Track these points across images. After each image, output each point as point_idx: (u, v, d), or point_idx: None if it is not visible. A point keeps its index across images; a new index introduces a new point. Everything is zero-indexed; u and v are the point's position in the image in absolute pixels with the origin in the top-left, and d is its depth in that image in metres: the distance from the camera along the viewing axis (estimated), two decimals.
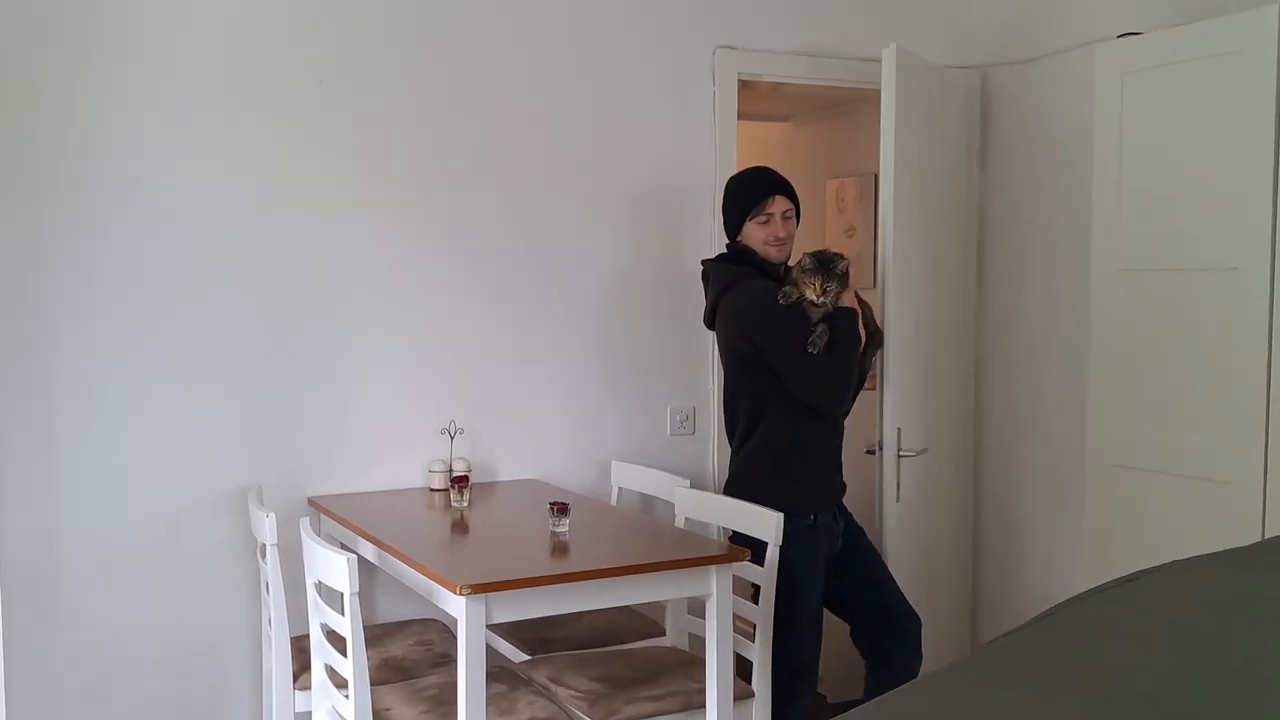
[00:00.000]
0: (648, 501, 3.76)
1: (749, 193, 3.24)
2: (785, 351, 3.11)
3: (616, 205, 3.85)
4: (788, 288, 3.11)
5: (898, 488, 3.65)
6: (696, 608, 3.20)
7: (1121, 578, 1.57)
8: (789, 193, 3.26)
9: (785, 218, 3.22)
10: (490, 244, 3.68)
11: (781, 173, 3.33)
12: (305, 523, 2.88)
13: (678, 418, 3.96)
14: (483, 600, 2.52)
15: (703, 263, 3.41)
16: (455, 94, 3.61)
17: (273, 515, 2.96)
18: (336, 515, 3.23)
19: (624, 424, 3.89)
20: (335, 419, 3.51)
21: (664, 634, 3.45)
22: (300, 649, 3.06)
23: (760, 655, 2.99)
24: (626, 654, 3.25)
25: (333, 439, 3.50)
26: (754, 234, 3.23)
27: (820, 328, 3.07)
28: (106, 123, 3.22)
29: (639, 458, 3.83)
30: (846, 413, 3.31)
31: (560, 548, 2.89)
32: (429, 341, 3.62)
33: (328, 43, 3.45)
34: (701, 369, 3.98)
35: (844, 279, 2.93)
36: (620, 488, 3.77)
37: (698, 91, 3.94)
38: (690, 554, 2.83)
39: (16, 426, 3.14)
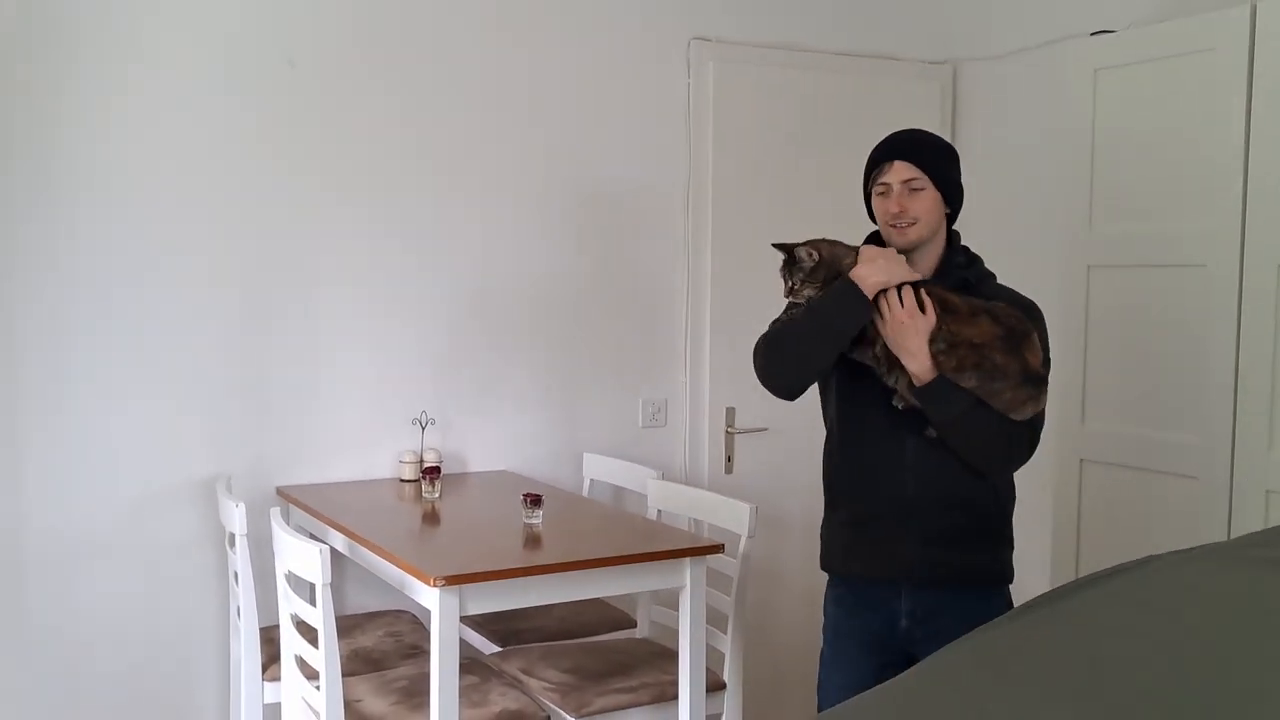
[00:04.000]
0: (619, 493, 3.76)
1: (871, 158, 2.50)
2: None
3: (589, 199, 3.84)
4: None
5: None
6: (667, 599, 3.20)
7: (1099, 572, 1.58)
8: (917, 157, 2.43)
9: (912, 190, 2.40)
10: (462, 236, 3.65)
11: (935, 134, 2.60)
12: (276, 513, 2.85)
13: (650, 409, 3.96)
14: (456, 592, 2.51)
15: None
16: (427, 87, 3.58)
17: (242, 505, 2.93)
18: (306, 505, 3.20)
19: (596, 416, 3.88)
20: (305, 408, 3.47)
21: (635, 625, 3.45)
22: (269, 640, 3.04)
23: (732, 647, 3.00)
24: (598, 646, 3.24)
25: (302, 429, 3.47)
26: (875, 209, 2.49)
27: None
28: (72, 112, 3.16)
29: (611, 450, 3.82)
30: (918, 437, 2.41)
31: (533, 539, 2.88)
32: (400, 332, 3.60)
33: (301, 34, 3.41)
34: (674, 361, 3.98)
35: (814, 274, 2.35)
36: (592, 479, 3.76)
37: (672, 84, 3.93)
38: (664, 546, 2.82)
39: None
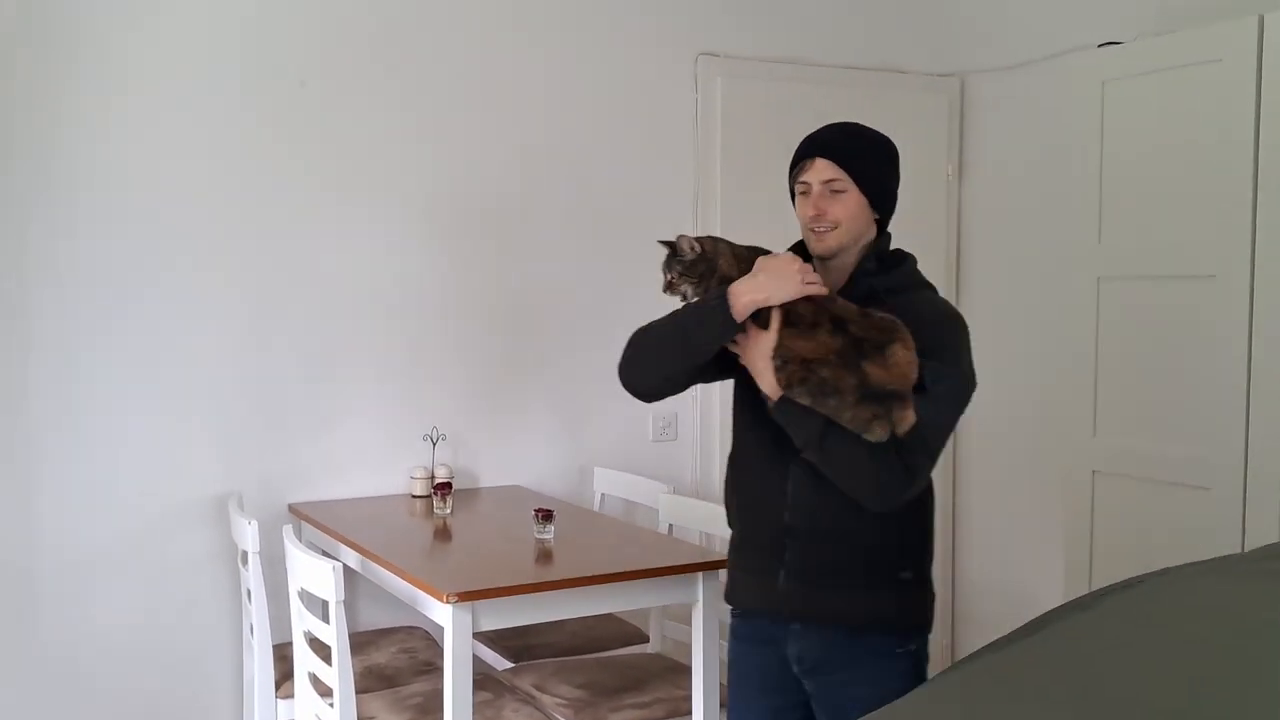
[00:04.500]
0: (630, 507, 3.76)
1: (795, 153, 2.28)
2: None
3: (597, 212, 3.85)
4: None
5: None
6: (679, 613, 3.20)
7: (1114, 585, 1.58)
8: (840, 155, 2.20)
9: (832, 191, 2.18)
10: (472, 251, 3.66)
11: (872, 130, 2.33)
12: (288, 530, 2.85)
13: (660, 424, 3.96)
14: (469, 608, 2.51)
15: None
16: (438, 102, 3.60)
17: (255, 522, 2.93)
18: (318, 522, 3.21)
19: (606, 430, 3.88)
20: (316, 425, 3.48)
21: (648, 640, 3.44)
22: (282, 657, 3.04)
23: None
24: (611, 661, 3.24)
25: (314, 445, 3.48)
26: (797, 210, 2.27)
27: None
28: (86, 125, 3.18)
29: (621, 464, 3.82)
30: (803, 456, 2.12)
31: (545, 555, 2.88)
32: (411, 348, 3.60)
33: (313, 48, 3.43)
34: None
35: (693, 267, 2.15)
36: (603, 494, 3.76)
37: (680, 99, 3.94)
38: (676, 561, 2.82)
39: None
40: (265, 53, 3.38)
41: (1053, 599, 2.66)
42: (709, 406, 3.98)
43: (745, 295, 2.04)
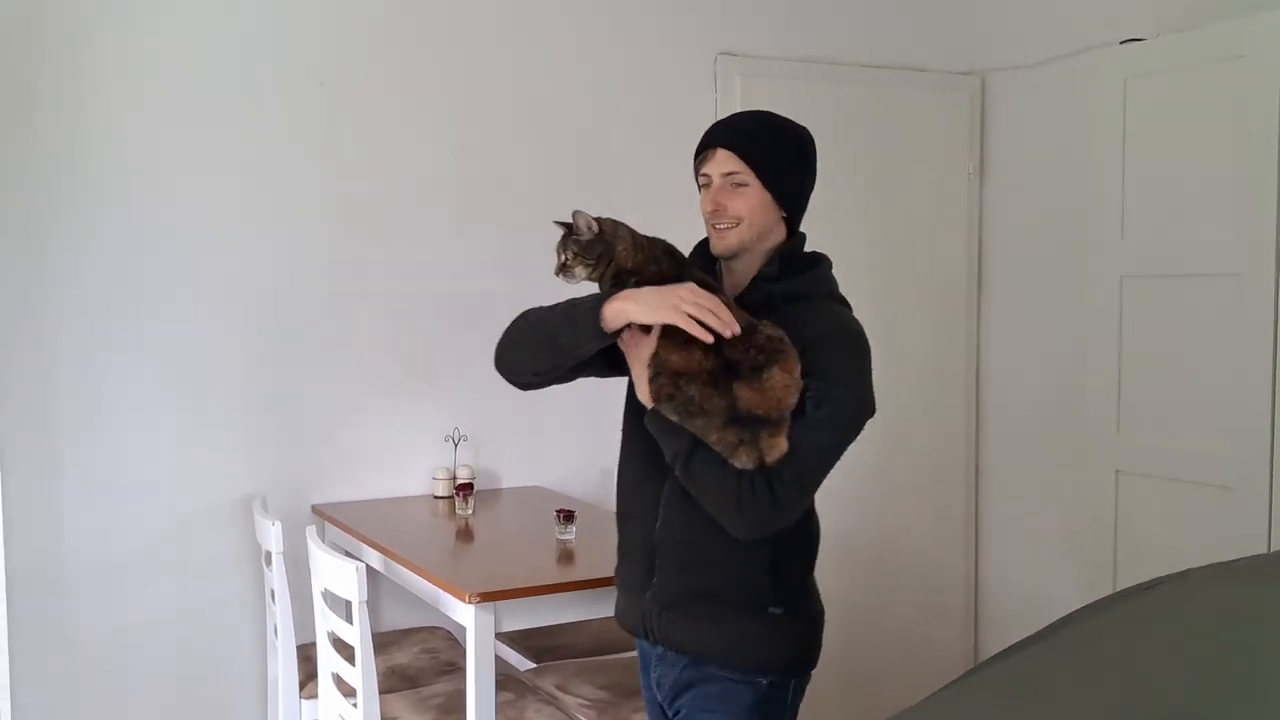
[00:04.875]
0: None
1: (701, 140, 2.14)
2: None
3: (617, 212, 3.82)
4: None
5: None
6: None
7: (1138, 586, 1.57)
8: (742, 147, 2.03)
9: (734, 185, 2.03)
10: (490, 250, 3.67)
11: (784, 120, 2.14)
12: (311, 530, 2.87)
13: None
14: (491, 608, 2.52)
15: None
16: (456, 103, 3.61)
17: (278, 523, 2.95)
18: (341, 523, 3.22)
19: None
20: (338, 426, 3.50)
21: None
22: (306, 657, 3.06)
23: None
24: (633, 662, 3.24)
25: (336, 446, 3.50)
26: (701, 204, 2.12)
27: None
28: (106, 131, 3.21)
29: None
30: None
31: (567, 555, 2.89)
32: (432, 349, 3.62)
33: (329, 49, 3.44)
34: None
35: (589, 248, 2.02)
36: None
37: (699, 99, 3.94)
38: None
39: (20, 437, 3.12)
40: (283, 54, 3.40)
41: (1075, 600, 2.65)
42: None
43: (617, 304, 1.88)
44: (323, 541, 2.87)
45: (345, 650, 2.69)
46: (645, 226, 3.84)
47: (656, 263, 2.04)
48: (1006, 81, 4.21)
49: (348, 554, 2.97)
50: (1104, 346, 3.47)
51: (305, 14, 3.41)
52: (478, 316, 3.67)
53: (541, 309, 2.07)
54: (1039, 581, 4.08)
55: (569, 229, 2.06)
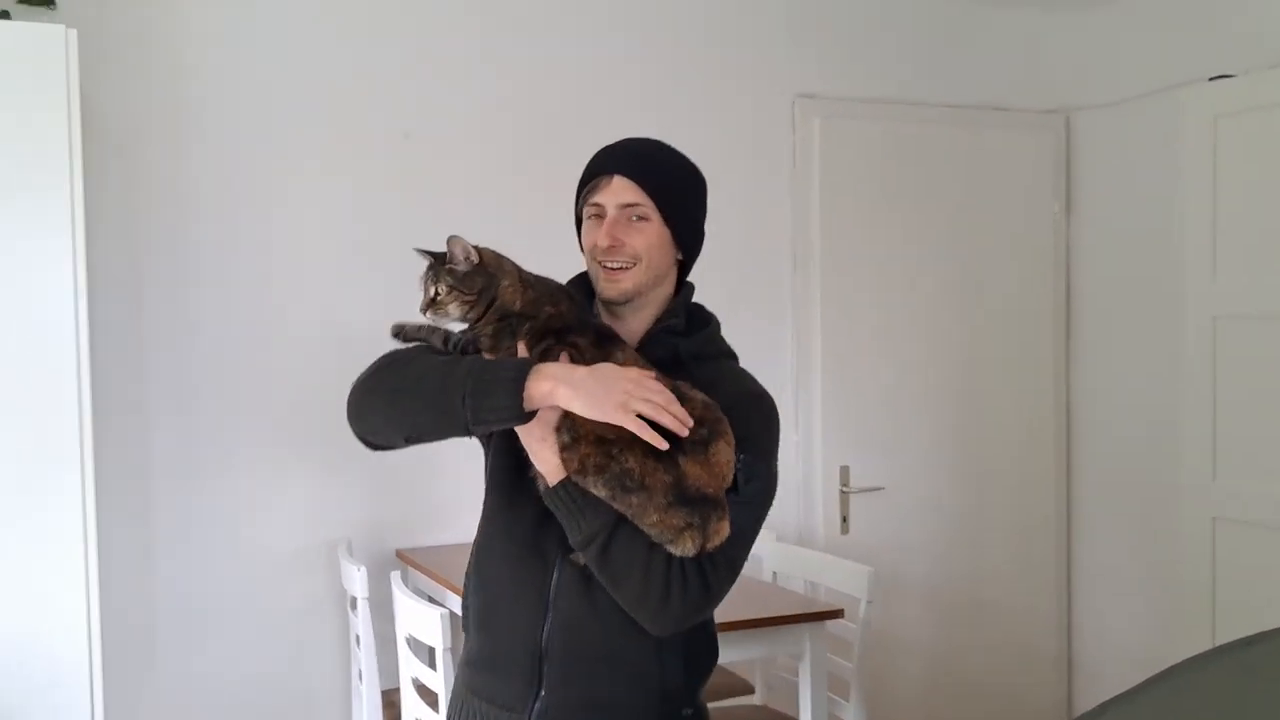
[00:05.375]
0: None
1: (588, 167, 1.87)
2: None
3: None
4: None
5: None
6: (784, 663, 3.15)
7: (1240, 640, 1.51)
8: (646, 176, 1.79)
9: (633, 219, 1.76)
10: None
11: (681, 154, 1.95)
12: (396, 576, 2.89)
13: None
14: None
15: None
16: (534, 146, 3.63)
17: (363, 568, 2.98)
18: (425, 568, 3.24)
19: None
20: (424, 470, 3.52)
21: (753, 691, 3.40)
22: (390, 703, 3.07)
23: (855, 715, 2.93)
24: (716, 712, 3.19)
25: (422, 491, 3.52)
26: (584, 238, 1.85)
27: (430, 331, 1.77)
28: (204, 186, 3.29)
29: None
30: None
31: None
32: None
33: (413, 102, 3.50)
34: (783, 419, 3.92)
35: (468, 282, 1.67)
36: None
37: (776, 142, 3.94)
38: (782, 611, 2.78)
39: (116, 484, 3.19)
40: (367, 105, 3.47)
41: (1171, 650, 2.57)
42: (810, 451, 3.93)
43: (546, 384, 1.52)
44: (407, 587, 2.89)
45: (428, 696, 2.69)
46: (723, 264, 3.85)
47: (553, 303, 1.71)
48: (1093, 119, 4.14)
49: (431, 599, 2.98)
50: (1198, 389, 3.37)
51: (391, 69, 3.47)
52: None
53: (423, 357, 1.70)
54: (1134, 630, 3.95)
55: (437, 258, 1.70)
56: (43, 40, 2.55)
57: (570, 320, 1.68)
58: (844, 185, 3.96)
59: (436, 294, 1.67)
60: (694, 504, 1.52)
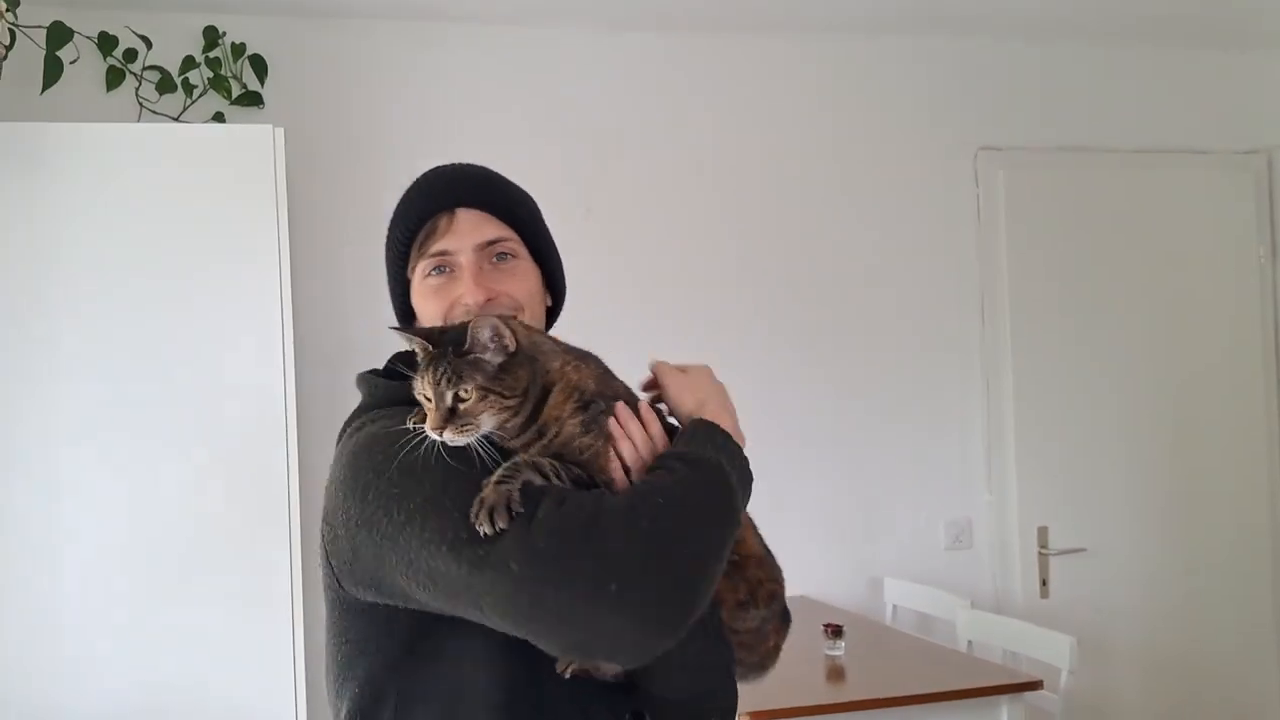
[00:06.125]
0: (925, 621, 3.62)
1: (413, 210, 1.42)
2: (411, 539, 1.16)
3: (876, 314, 3.80)
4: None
5: None
6: None
7: None
8: (499, 203, 1.43)
9: (499, 257, 1.39)
10: (750, 358, 3.68)
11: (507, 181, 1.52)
12: None
13: (954, 530, 3.81)
14: None
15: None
16: (715, 210, 3.66)
17: None
18: None
19: (895, 536, 3.78)
20: None
21: None
22: None
23: None
24: None
25: None
26: (422, 301, 1.40)
27: (508, 477, 1.15)
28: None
29: (913, 573, 3.70)
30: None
31: (836, 672, 2.82)
32: None
33: (595, 177, 3.59)
34: (974, 478, 3.83)
35: (510, 376, 1.20)
36: (895, 605, 3.65)
37: (960, 195, 3.87)
38: (979, 682, 2.69)
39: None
40: (552, 182, 3.57)
41: None
42: (1005, 511, 3.81)
43: (729, 421, 1.35)
44: None
45: None
46: (909, 319, 3.80)
47: (610, 379, 1.35)
48: None
49: None
50: None
51: (568, 139, 3.57)
52: (771, 428, 3.67)
53: (655, 482, 1.19)
54: None
55: (442, 343, 1.21)
56: (254, 139, 2.74)
57: (627, 396, 1.33)
58: (1033, 236, 3.86)
59: (459, 400, 1.17)
60: None
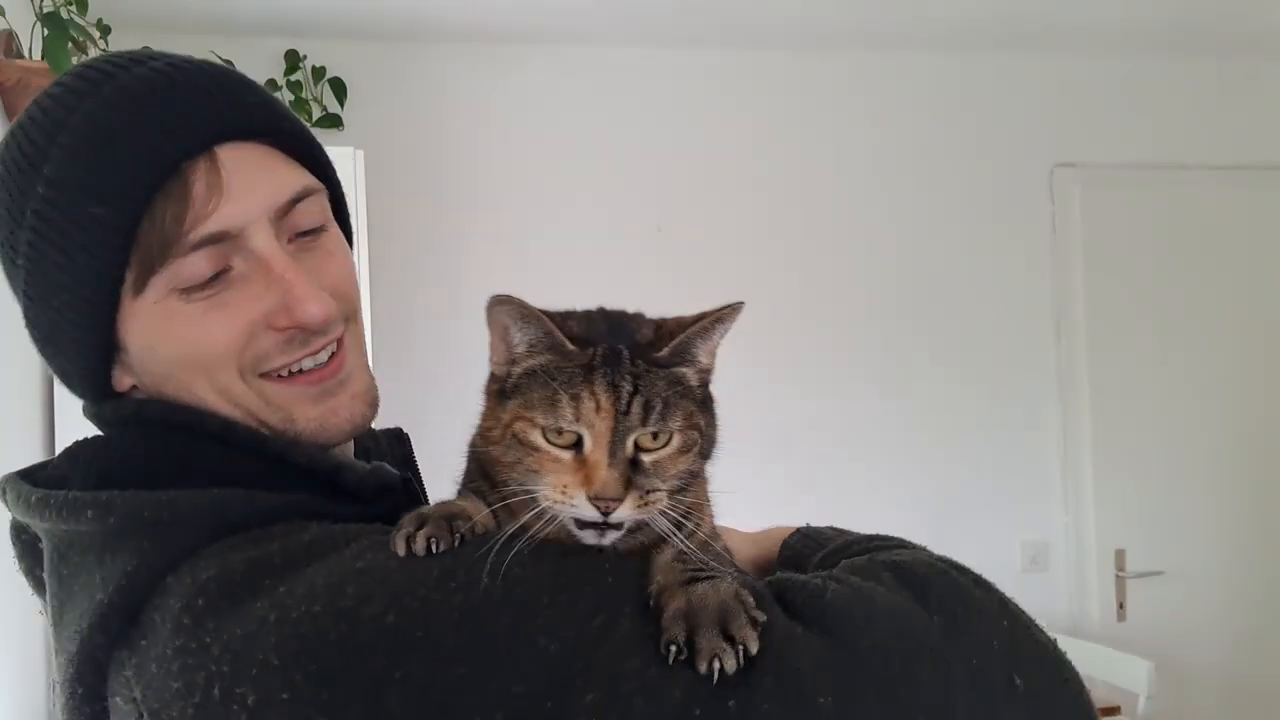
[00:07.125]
0: None
1: (99, 171, 0.80)
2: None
3: (951, 332, 3.77)
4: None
5: None
6: None
7: None
8: (278, 127, 0.90)
9: (306, 234, 0.89)
10: (823, 375, 3.67)
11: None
12: None
13: (1029, 552, 3.76)
14: None
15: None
16: (789, 228, 3.67)
17: None
18: None
19: (969, 559, 3.66)
20: None
21: None
22: None
23: None
24: None
25: None
26: (176, 350, 0.85)
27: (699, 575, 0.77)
28: (474, 286, 3.49)
29: None
30: None
31: None
32: (766, 474, 3.63)
33: (667, 194, 3.61)
34: (1050, 499, 3.78)
35: (690, 401, 0.87)
36: None
37: (1035, 212, 3.83)
38: None
39: None
40: (626, 201, 3.60)
41: None
42: (1082, 533, 3.75)
43: None
44: None
45: None
46: (983, 339, 3.75)
47: None
48: None
49: None
50: None
51: (646, 166, 3.60)
52: (812, 440, 3.67)
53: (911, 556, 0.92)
54: None
55: (608, 347, 0.86)
56: (335, 161, 2.78)
57: None
58: (1110, 255, 3.81)
59: (642, 449, 0.79)
60: None
